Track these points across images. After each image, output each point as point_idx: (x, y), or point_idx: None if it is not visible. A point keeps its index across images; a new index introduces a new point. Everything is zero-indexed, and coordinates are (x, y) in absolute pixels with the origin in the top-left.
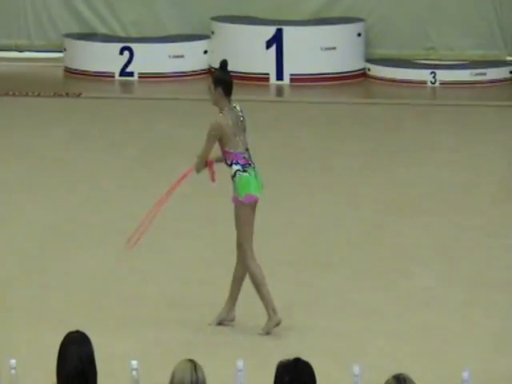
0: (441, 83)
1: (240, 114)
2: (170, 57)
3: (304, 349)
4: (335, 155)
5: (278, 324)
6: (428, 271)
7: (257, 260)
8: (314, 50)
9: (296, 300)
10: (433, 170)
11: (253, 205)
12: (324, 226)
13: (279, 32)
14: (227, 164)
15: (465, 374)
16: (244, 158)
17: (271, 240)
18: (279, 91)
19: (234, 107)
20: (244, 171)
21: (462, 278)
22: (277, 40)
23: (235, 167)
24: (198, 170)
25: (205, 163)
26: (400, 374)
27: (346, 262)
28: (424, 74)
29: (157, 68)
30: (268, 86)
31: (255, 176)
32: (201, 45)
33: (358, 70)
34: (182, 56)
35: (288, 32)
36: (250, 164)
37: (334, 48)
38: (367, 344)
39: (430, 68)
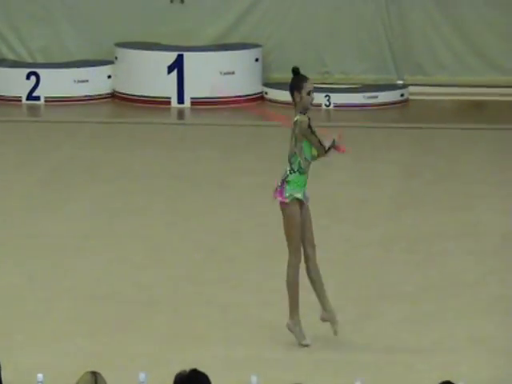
0: (335, 106)
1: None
2: (75, 81)
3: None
4: (234, 174)
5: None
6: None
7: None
8: (214, 75)
9: (198, 314)
10: (328, 188)
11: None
12: (224, 241)
13: (180, 57)
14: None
15: None
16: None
17: (173, 256)
18: (180, 114)
19: None
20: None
21: (356, 292)
22: (178, 65)
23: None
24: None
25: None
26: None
27: (244, 278)
28: (319, 97)
29: (62, 92)
30: (170, 109)
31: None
32: (105, 70)
33: (256, 94)
34: (87, 80)
35: (188, 57)
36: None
37: (233, 72)
38: (268, 355)
39: (325, 91)
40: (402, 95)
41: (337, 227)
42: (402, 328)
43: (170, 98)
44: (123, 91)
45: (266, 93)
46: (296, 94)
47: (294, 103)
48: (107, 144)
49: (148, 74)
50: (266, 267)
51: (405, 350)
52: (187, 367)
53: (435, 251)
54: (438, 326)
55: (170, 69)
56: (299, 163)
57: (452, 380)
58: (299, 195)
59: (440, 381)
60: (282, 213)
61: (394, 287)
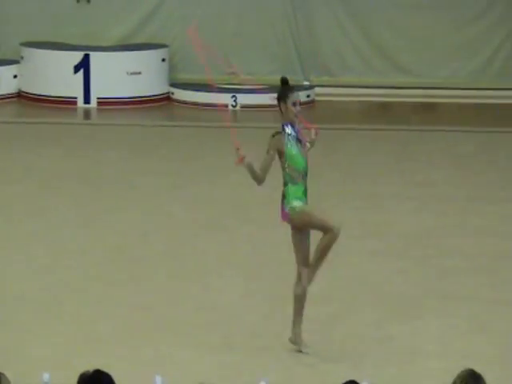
0: (242, 106)
1: None
2: None
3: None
4: (140, 175)
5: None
6: (229, 285)
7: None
8: (120, 75)
9: (103, 314)
10: (234, 189)
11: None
12: (130, 242)
13: (87, 57)
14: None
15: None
16: None
17: (79, 257)
18: (87, 114)
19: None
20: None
21: (262, 292)
22: (84, 65)
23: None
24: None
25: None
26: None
27: (151, 277)
28: (225, 98)
29: None
30: (76, 109)
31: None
32: (10, 69)
33: (163, 94)
34: None
35: (95, 57)
36: None
37: (140, 73)
38: (170, 356)
39: (232, 92)
40: (308, 96)
41: (242, 228)
42: (308, 329)
43: (76, 97)
44: (29, 91)
45: (173, 93)
46: (282, 104)
47: (280, 113)
48: (12, 144)
49: (54, 73)
50: (172, 267)
51: (311, 351)
52: (91, 368)
53: (340, 251)
54: (344, 327)
55: (77, 69)
56: (289, 176)
57: (357, 380)
58: (300, 204)
59: (344, 381)
60: (291, 229)
61: None
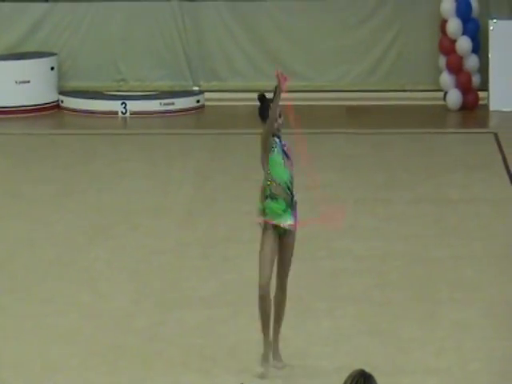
0: (131, 113)
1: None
2: None
3: None
4: (28, 183)
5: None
6: (120, 292)
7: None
8: (9, 84)
9: None
10: (123, 196)
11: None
12: (18, 251)
13: None
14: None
15: None
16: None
17: None
18: None
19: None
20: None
21: (152, 299)
22: None
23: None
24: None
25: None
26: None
27: (37, 288)
28: (115, 105)
29: None
30: None
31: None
32: None
33: (52, 102)
34: None
35: None
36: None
37: (29, 81)
38: (60, 364)
39: (121, 99)
40: (197, 101)
41: (132, 235)
42: (198, 334)
43: None
44: None
45: (62, 101)
46: (263, 121)
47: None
48: None
49: None
50: (60, 276)
51: (201, 356)
52: None
53: (230, 256)
54: (234, 331)
55: None
56: (270, 189)
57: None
58: (274, 222)
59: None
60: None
61: (189, 293)
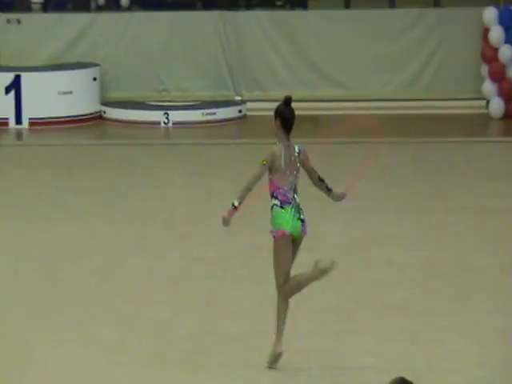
0: (174, 123)
1: (296, 153)
2: None
3: None
4: (71, 193)
5: (278, 356)
6: (162, 302)
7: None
8: (52, 95)
9: (32, 337)
10: (166, 206)
11: (285, 239)
12: (62, 261)
13: (17, 78)
14: (270, 194)
15: None
16: (285, 195)
17: (10, 276)
18: (19, 135)
19: (292, 145)
20: (281, 207)
21: (195, 309)
22: (15, 86)
23: (274, 201)
24: (245, 192)
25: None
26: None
27: (84, 297)
28: (157, 115)
29: None
30: (7, 130)
31: (292, 214)
32: None
33: (94, 113)
34: None
35: (26, 78)
36: (289, 203)
37: (71, 92)
38: (103, 375)
39: (163, 109)
40: (239, 111)
41: (174, 244)
42: (241, 344)
43: (7, 118)
44: None
45: (105, 112)
46: (274, 121)
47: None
48: None
49: None
50: (102, 285)
51: (244, 365)
52: None
53: (269, 265)
54: (272, 336)
55: (8, 90)
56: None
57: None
58: (287, 231)
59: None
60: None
61: (232, 303)
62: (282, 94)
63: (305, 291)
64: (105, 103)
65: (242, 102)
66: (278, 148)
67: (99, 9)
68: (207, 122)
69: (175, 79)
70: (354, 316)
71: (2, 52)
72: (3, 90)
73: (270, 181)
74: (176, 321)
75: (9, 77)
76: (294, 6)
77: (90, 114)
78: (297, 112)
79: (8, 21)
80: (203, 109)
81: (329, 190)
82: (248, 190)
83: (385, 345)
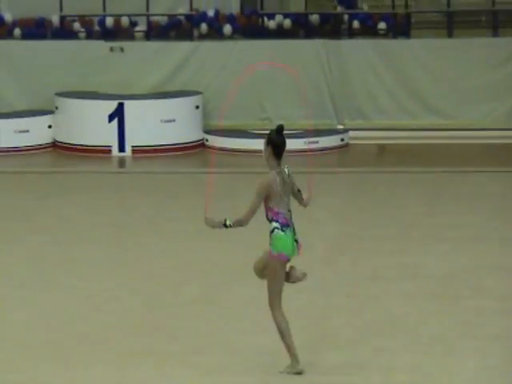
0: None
1: (287, 176)
2: (15, 132)
3: None
4: (173, 221)
5: (298, 373)
6: (263, 330)
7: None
8: (155, 123)
9: (137, 362)
10: (267, 232)
11: (283, 263)
12: (162, 289)
13: (121, 106)
14: (268, 219)
15: None
16: (285, 217)
17: (110, 304)
18: (121, 162)
19: (283, 169)
20: (282, 230)
21: (297, 338)
22: (118, 113)
23: (274, 224)
24: (241, 223)
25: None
26: None
27: (182, 326)
28: (260, 144)
29: (3, 143)
30: (110, 157)
31: (292, 237)
32: (45, 119)
33: (197, 141)
34: (28, 131)
35: (129, 106)
36: (288, 225)
37: (174, 120)
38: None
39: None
40: (342, 140)
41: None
42: (343, 372)
43: (111, 146)
44: (64, 140)
45: (207, 140)
46: (265, 148)
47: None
48: (46, 193)
49: (89, 122)
50: (202, 314)
51: None
52: None
53: (374, 294)
54: (378, 370)
55: (111, 117)
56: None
57: None
58: (289, 257)
59: None
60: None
61: (334, 332)
62: (384, 123)
63: (411, 319)
64: (207, 131)
65: (344, 131)
66: (272, 176)
67: (202, 37)
68: (309, 150)
69: (277, 108)
70: (456, 344)
71: (106, 80)
72: (107, 118)
73: (270, 209)
74: (278, 349)
75: (112, 105)
76: (396, 35)
77: (193, 142)
78: (399, 141)
79: (111, 49)
80: (305, 137)
81: (302, 199)
82: (245, 222)
83: (488, 374)
